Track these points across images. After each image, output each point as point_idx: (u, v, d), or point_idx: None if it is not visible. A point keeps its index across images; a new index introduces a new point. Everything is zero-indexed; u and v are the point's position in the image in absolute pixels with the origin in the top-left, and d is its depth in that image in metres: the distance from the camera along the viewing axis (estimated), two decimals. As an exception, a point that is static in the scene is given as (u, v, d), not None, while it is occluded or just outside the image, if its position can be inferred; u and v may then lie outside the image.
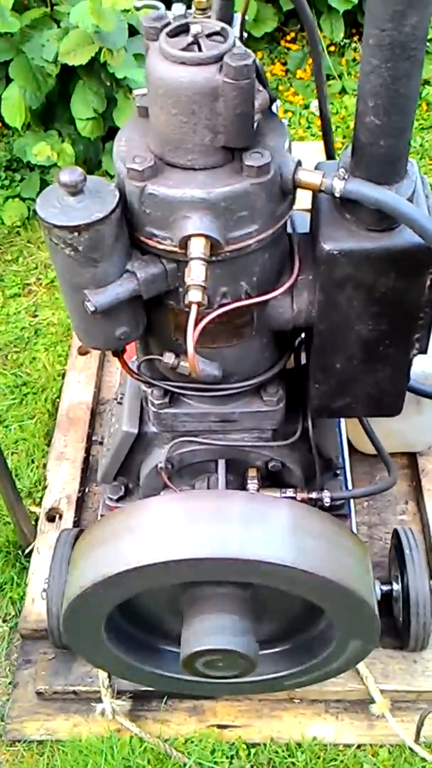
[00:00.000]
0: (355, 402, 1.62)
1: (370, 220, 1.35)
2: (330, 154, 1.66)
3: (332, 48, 4.09)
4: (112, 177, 1.43)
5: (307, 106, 3.96)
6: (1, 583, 2.34)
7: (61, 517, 2.33)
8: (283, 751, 1.98)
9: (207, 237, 1.29)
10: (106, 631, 1.68)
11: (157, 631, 1.83)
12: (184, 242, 1.31)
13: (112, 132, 3.33)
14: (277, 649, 1.84)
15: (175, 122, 1.26)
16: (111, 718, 1.99)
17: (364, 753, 1.97)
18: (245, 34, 1.43)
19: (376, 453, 1.94)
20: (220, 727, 2.01)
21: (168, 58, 1.24)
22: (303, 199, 1.46)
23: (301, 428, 1.74)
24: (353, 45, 4.07)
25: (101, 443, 2.03)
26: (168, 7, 1.38)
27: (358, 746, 1.98)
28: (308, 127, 3.87)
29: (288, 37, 4.22)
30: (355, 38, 4.10)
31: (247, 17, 1.47)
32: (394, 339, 1.50)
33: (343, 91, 3.97)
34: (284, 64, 4.15)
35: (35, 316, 3.14)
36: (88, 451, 2.51)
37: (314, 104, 3.93)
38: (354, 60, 4.06)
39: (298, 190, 1.39)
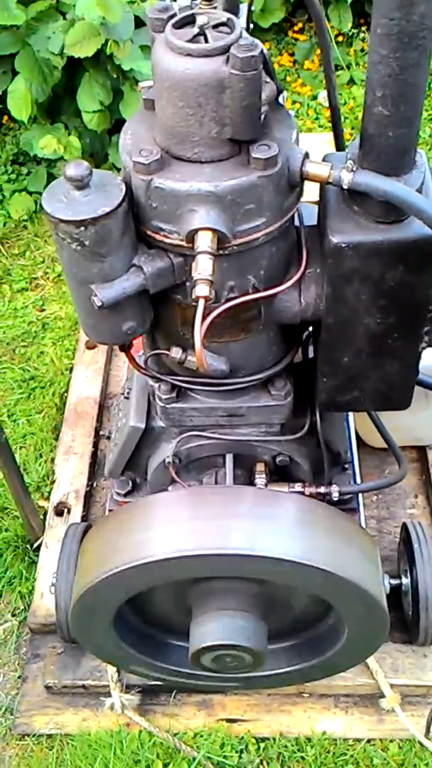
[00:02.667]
0: (363, 396, 1.61)
1: (378, 212, 1.33)
2: (340, 146, 1.64)
3: (340, 38, 4.06)
4: (119, 170, 1.42)
5: (314, 97, 3.93)
6: (10, 577, 2.34)
7: (69, 511, 2.34)
8: (292, 746, 1.98)
9: (214, 230, 1.28)
10: (115, 625, 1.68)
11: (165, 626, 1.83)
12: (191, 236, 1.29)
13: (118, 125, 3.32)
14: (286, 644, 1.83)
15: (181, 114, 1.25)
16: (120, 712, 2.00)
17: (374, 747, 1.97)
18: (252, 25, 1.41)
19: (385, 447, 1.93)
20: (229, 721, 2.01)
21: (174, 49, 1.23)
22: (311, 192, 1.45)
23: (309, 422, 1.73)
24: (361, 35, 4.04)
25: (109, 438, 2.02)
26: (174, -1, 1.37)
27: (368, 741, 1.98)
28: (316, 119, 3.84)
29: (296, 28, 4.20)
30: (363, 28, 4.06)
31: (253, 8, 1.46)
32: (403, 332, 1.48)
33: (351, 81, 3.94)
34: (292, 54, 4.13)
35: (42, 310, 3.14)
36: (95, 445, 2.51)
37: (322, 95, 3.90)
38: (362, 50, 4.03)
39: (306, 183, 1.38)
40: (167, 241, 1.35)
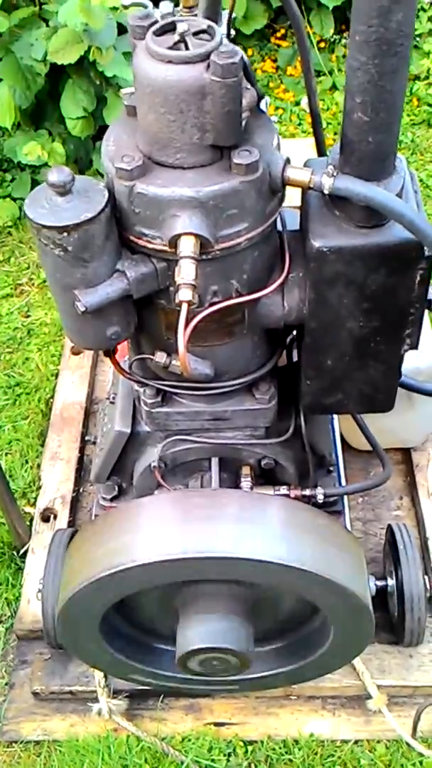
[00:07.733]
0: (347, 398, 1.62)
1: (359, 216, 1.35)
2: (321, 151, 1.65)
3: (322, 44, 4.09)
4: (103, 176, 1.43)
5: (297, 103, 3.96)
6: (-4, 584, 2.34)
7: (55, 517, 2.34)
8: (280, 748, 1.98)
9: (196, 236, 1.29)
10: (102, 630, 1.68)
11: (152, 630, 1.83)
12: (174, 241, 1.30)
13: (102, 131, 3.31)
14: (272, 647, 1.84)
15: (163, 121, 1.26)
16: (108, 717, 2.00)
17: (361, 748, 1.98)
18: (234, 32, 1.42)
19: (370, 449, 1.94)
20: (216, 725, 2.02)
21: (155, 56, 1.24)
22: (293, 197, 1.46)
23: (293, 425, 1.74)
24: (343, 41, 4.07)
25: (95, 443, 2.02)
26: (156, 5, 1.38)
27: (356, 742, 1.99)
28: (299, 124, 3.87)
29: (278, 34, 4.22)
30: (345, 34, 4.09)
31: (236, 14, 1.47)
32: (385, 335, 1.50)
33: (334, 87, 3.97)
34: (274, 61, 4.15)
35: (28, 316, 3.14)
36: (82, 450, 2.51)
37: (305, 101, 3.92)
38: (344, 56, 4.05)
39: (288, 188, 1.39)
40: (150, 246, 1.36)
